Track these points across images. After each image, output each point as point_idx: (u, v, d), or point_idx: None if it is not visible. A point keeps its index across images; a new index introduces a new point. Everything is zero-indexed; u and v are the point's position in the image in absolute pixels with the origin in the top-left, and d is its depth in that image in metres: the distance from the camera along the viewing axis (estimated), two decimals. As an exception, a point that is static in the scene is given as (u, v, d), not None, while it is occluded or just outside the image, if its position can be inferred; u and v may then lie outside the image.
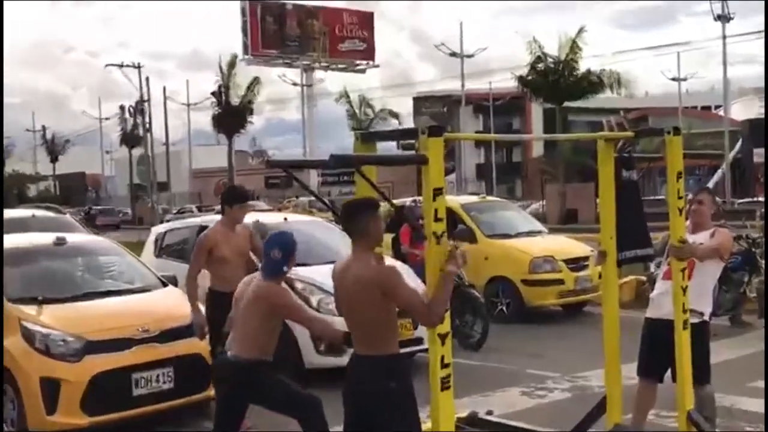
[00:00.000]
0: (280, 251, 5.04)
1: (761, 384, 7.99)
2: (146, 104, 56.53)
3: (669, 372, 5.72)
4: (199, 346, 7.00)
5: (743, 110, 56.98)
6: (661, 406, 6.20)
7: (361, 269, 4.17)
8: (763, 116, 48.51)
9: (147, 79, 56.18)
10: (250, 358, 4.98)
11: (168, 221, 19.36)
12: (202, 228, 10.29)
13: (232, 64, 52.63)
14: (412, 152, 4.42)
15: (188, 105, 63.52)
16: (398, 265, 9.10)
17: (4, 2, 9.63)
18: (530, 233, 13.34)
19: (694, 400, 5.50)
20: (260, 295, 4.97)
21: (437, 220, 4.18)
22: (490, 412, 6.34)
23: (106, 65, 59.85)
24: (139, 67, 56.31)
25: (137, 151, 61.89)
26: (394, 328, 4.28)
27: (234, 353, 5.06)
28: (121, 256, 8.48)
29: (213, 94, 52.80)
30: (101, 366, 6.59)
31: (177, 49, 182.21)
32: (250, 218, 10.91)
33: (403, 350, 7.60)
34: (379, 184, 4.59)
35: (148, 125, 56.61)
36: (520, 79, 40.18)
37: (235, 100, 51.36)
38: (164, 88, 60.00)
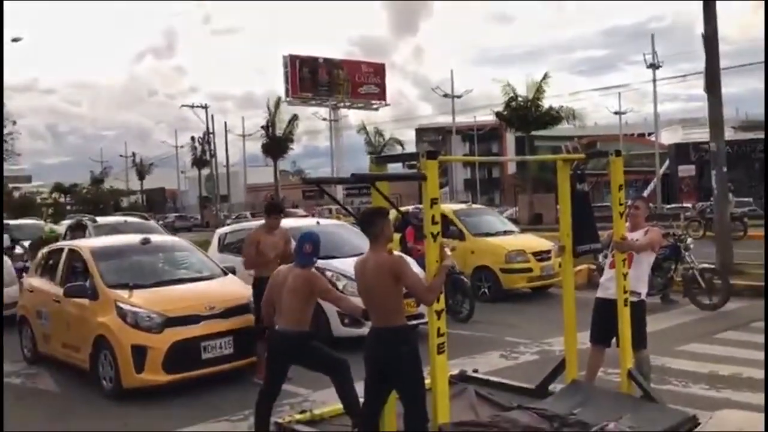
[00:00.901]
0: (311, 246, 5.05)
1: (687, 348, 7.94)
2: (211, 135, 56.67)
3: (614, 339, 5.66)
4: (252, 320, 7.00)
5: (670, 137, 56.53)
6: (608, 365, 6.11)
7: (380, 260, 4.21)
8: (685, 141, 48.23)
9: (212, 116, 56.45)
10: (294, 330, 4.97)
11: (228, 224, 19.36)
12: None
13: (276, 105, 52.70)
14: (415, 171, 4.39)
15: (243, 136, 63.55)
16: (403, 256, 9.10)
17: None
18: (506, 232, 13.27)
19: (633, 361, 5.46)
20: (304, 281, 4.97)
21: (434, 223, 4.17)
22: (475, 370, 6.30)
23: (181, 106, 60.10)
24: (206, 107, 56.51)
25: (205, 171, 62.01)
26: (402, 305, 4.28)
27: (281, 327, 5.05)
28: (192, 252, 8.49)
29: (262, 127, 52.78)
30: (177, 336, 6.62)
31: (235, 92, 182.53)
32: (295, 222, 11.03)
33: (409, 323, 7.60)
34: (390, 195, 4.58)
35: (212, 151, 56.72)
36: (498, 114, 40.08)
37: (279, 132, 51.45)
38: (225, 123, 60.25)
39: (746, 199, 34.48)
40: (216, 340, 6.77)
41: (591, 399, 5.19)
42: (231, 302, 7.08)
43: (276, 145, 51.13)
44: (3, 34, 9.13)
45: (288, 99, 58.90)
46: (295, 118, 52.62)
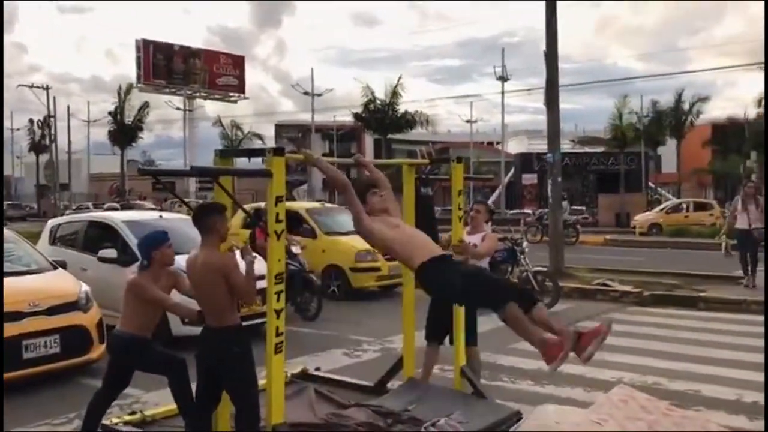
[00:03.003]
0: (139, 250, 4.81)
1: (517, 346, 8.34)
2: (52, 119, 52.74)
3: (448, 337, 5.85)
4: (82, 318, 6.61)
5: (516, 146, 59.96)
6: (445, 362, 6.29)
7: (209, 257, 4.08)
8: (529, 151, 51.34)
9: (54, 98, 52.47)
10: (129, 334, 4.69)
11: (67, 215, 18.16)
12: (91, 222, 9.74)
13: (127, 90, 50.19)
14: (261, 167, 4.31)
15: (88, 121, 59.81)
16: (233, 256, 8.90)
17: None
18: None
19: (466, 358, 5.70)
20: (128, 287, 4.70)
21: (278, 221, 4.11)
22: (318, 369, 6.33)
23: (18, 85, 55.36)
24: (47, 88, 52.44)
25: (44, 158, 57.62)
26: (234, 304, 4.16)
27: (117, 328, 4.78)
28: (17, 243, 7.81)
29: (110, 113, 50.11)
30: (-6, 334, 6.07)
31: (81, 74, 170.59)
32: (135, 216, 10.49)
33: (254, 321, 7.48)
34: (244, 191, 4.48)
35: (53, 136, 52.80)
36: (356, 115, 40.64)
37: (128, 120, 49.01)
38: (68, 107, 56.32)
39: (580, 208, 37.37)
40: (39, 338, 6.30)
41: (425, 396, 5.37)
42: (58, 298, 6.63)
43: (124, 132, 48.62)
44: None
45: (139, 85, 56.17)
46: (146, 105, 50.33)
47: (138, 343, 4.72)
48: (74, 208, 43.38)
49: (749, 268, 12.09)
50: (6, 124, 67.28)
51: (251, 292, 4.15)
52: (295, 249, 10.18)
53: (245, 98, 66.79)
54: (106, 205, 37.11)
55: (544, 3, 14.23)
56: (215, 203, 4.31)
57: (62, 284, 7.03)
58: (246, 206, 9.31)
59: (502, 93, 46.48)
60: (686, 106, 43.55)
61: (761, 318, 9.87)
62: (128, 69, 63.35)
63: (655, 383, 6.69)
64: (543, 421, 4.52)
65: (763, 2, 16.63)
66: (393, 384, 5.78)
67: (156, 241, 4.76)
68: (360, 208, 4.24)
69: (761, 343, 8.31)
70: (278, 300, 4.12)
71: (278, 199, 4.11)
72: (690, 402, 6.02)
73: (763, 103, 39.26)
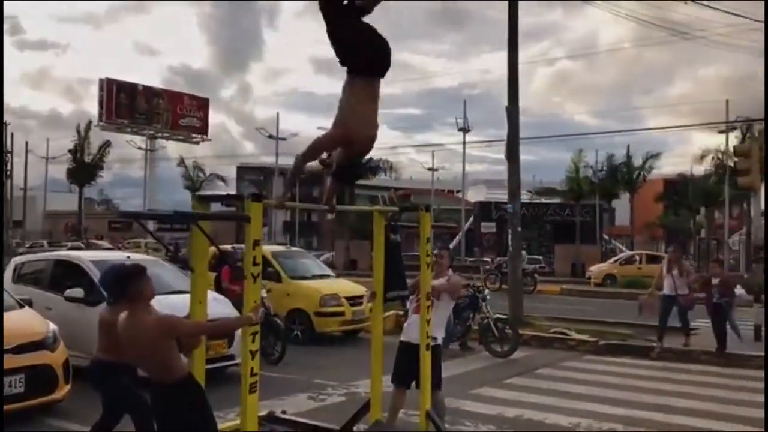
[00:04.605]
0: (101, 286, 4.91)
1: (479, 391, 8.57)
2: (8, 155, 51.73)
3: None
4: (49, 357, 6.56)
5: (475, 195, 60.74)
6: (410, 407, 6.36)
7: (145, 324, 4.02)
8: (488, 200, 52.13)
9: (12, 134, 51.61)
10: (101, 359, 4.87)
11: (21, 253, 17.85)
12: (58, 261, 9.68)
13: (87, 128, 49.79)
14: (240, 212, 4.47)
15: (47, 158, 58.87)
16: (217, 296, 8.93)
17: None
18: (321, 276, 13.55)
19: (431, 402, 5.84)
20: (99, 322, 4.92)
21: (255, 264, 4.24)
22: (284, 412, 6.36)
23: (-26, 120, 54.20)
24: (5, 124, 51.60)
25: (-3, 193, 56.34)
26: (177, 358, 4.11)
27: (95, 354, 4.97)
28: (-18, 281, 7.77)
29: (70, 151, 49.52)
30: (-43, 373, 6.00)
31: (40, 110, 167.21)
32: (103, 255, 10.45)
33: (217, 365, 7.48)
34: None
35: (9, 172, 51.72)
36: (320, 160, 40.85)
37: (88, 158, 48.45)
38: (26, 143, 55.44)
39: (537, 257, 37.97)
40: (5, 377, 6.19)
41: (391, 438, 5.49)
42: (26, 337, 6.55)
43: (83, 170, 48.00)
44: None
45: (101, 123, 55.71)
46: (107, 144, 49.90)
47: (111, 368, 4.85)
48: (28, 246, 42.23)
49: (683, 329, 11.53)
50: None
51: (213, 329, 4.21)
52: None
53: (208, 140, 66.67)
54: (69, 245, 36.28)
55: (506, 61, 14.85)
56: (135, 265, 4.31)
57: (30, 323, 6.95)
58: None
59: (464, 143, 47.41)
60: (638, 162, 45.01)
61: (712, 368, 10.39)
62: (88, 106, 62.59)
63: (611, 430, 6.93)
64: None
65: None
66: (359, 427, 5.88)
67: (105, 281, 4.85)
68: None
69: (712, 392, 8.74)
70: (253, 341, 4.23)
71: (256, 243, 4.27)
72: (644, 447, 6.25)
73: (705, 159, 40.81)
